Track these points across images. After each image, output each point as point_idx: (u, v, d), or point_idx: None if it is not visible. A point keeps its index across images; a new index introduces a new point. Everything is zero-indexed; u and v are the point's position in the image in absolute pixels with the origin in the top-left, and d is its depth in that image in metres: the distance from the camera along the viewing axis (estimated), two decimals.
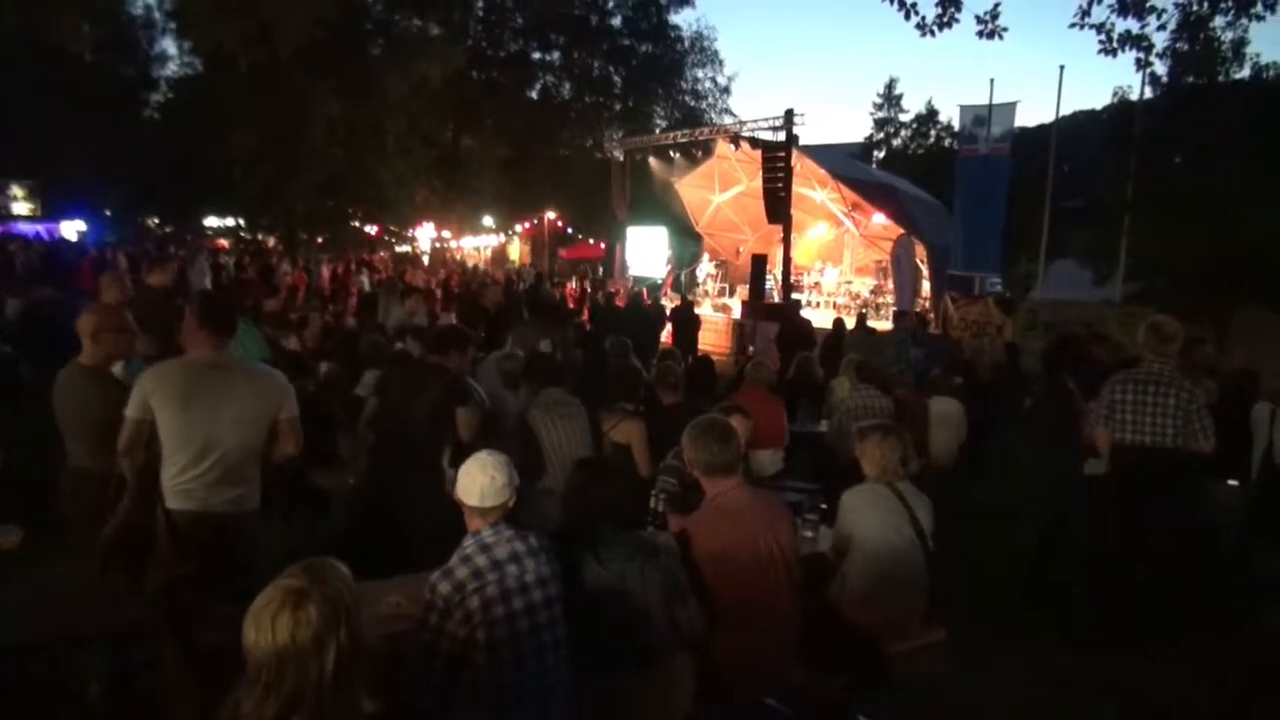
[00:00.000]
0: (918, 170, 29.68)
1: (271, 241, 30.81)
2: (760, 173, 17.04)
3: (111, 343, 4.11)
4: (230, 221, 34.91)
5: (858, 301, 19.74)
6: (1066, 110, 25.11)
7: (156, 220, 37.42)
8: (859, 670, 3.69)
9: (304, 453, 4.32)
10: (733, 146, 19.31)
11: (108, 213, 34.54)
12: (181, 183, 29.64)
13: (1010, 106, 16.81)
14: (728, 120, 31.60)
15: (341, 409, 5.89)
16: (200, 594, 3.35)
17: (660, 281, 22.91)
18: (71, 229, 31.74)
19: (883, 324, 15.17)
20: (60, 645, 3.55)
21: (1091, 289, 16.28)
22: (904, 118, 42.57)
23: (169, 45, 35.03)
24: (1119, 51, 6.57)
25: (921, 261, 17.70)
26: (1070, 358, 6.16)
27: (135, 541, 3.59)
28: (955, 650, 3.94)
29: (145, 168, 31.34)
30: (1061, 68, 17.50)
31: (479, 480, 2.91)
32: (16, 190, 32.87)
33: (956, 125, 18.90)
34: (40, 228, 30.69)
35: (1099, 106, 26.83)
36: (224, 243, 33.25)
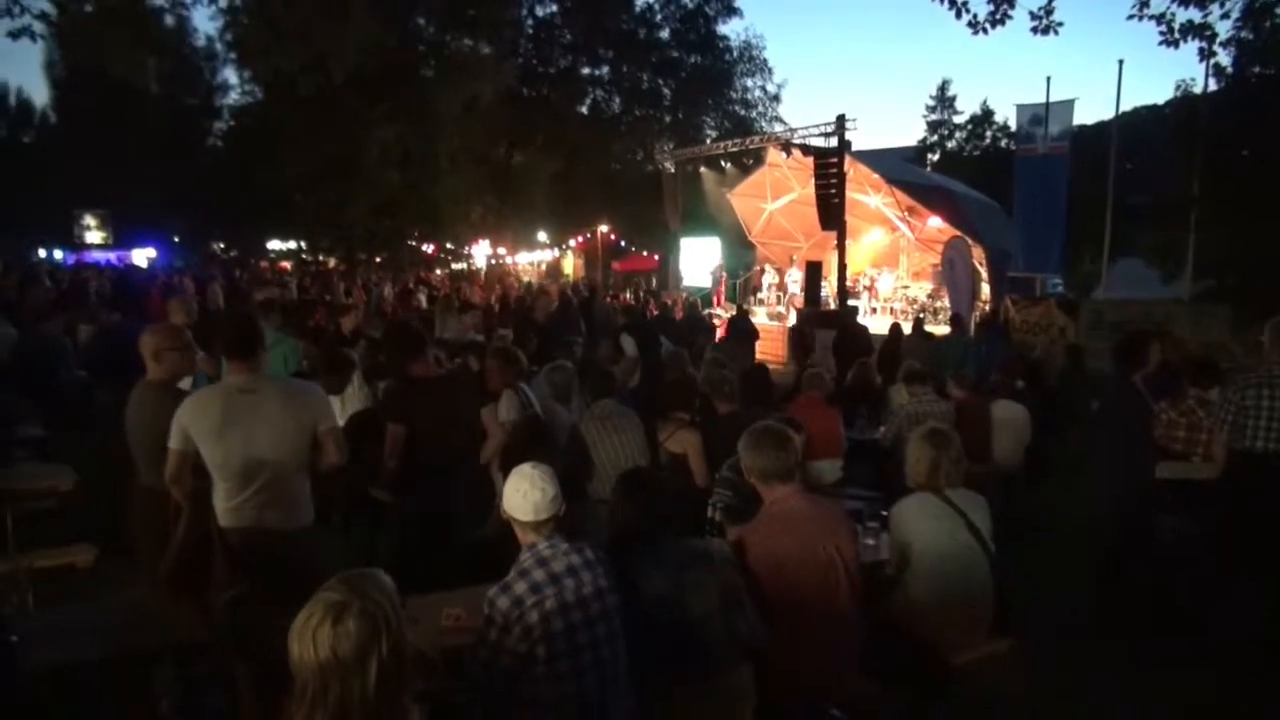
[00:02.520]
0: (974, 172, 29.20)
1: (332, 262, 31.48)
2: (813, 180, 16.92)
3: (174, 361, 4.22)
4: (292, 244, 35.75)
5: (915, 306, 19.46)
6: (1127, 106, 24.44)
7: (222, 245, 38.50)
8: (924, 681, 3.61)
9: (363, 468, 4.40)
10: (784, 154, 19.20)
11: (175, 239, 35.66)
12: (244, 208, 30.47)
13: (1068, 104, 16.49)
14: (778, 128, 31.54)
15: None
16: (263, 610, 3.40)
17: (709, 291, 22.86)
18: (142, 256, 32.81)
19: (941, 328, 14.94)
20: (132, 661, 3.65)
21: (1158, 288, 15.88)
22: (958, 119, 41.85)
23: (230, 75, 36.10)
24: (1181, 42, 6.40)
25: (980, 264, 17.41)
26: (1141, 356, 5.95)
27: (194, 563, 3.67)
28: (1023, 660, 3.83)
29: (209, 194, 32.33)
30: (1120, 62, 17.05)
31: (531, 495, 2.90)
32: (90, 220, 34.13)
33: (1013, 125, 18.62)
34: (112, 256, 31.80)
35: (1161, 101, 26.14)
36: (286, 265, 34.04)
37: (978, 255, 17.16)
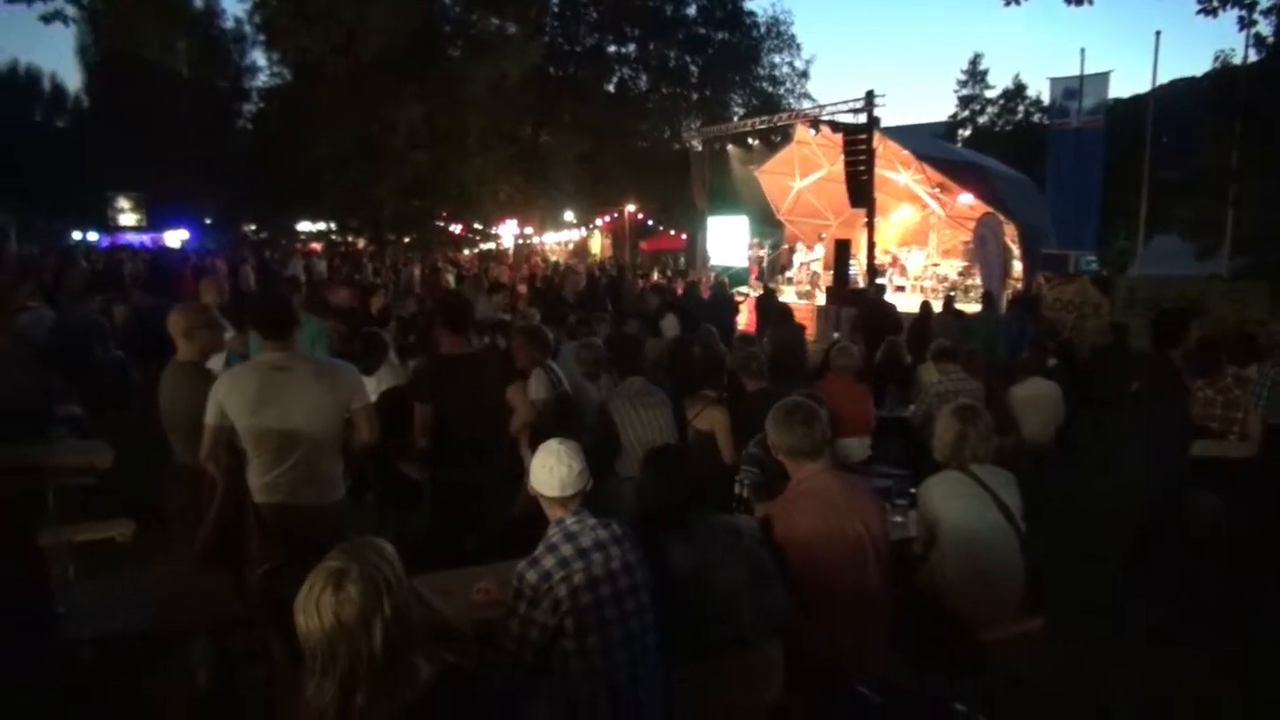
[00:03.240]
0: (1006, 148, 28.75)
1: (361, 243, 31.67)
2: (841, 157, 16.78)
3: (204, 339, 4.28)
4: (321, 225, 35.99)
5: (945, 284, 19.25)
6: (1164, 78, 23.97)
7: (253, 226, 38.85)
8: (954, 659, 3.60)
9: (396, 445, 4.44)
10: (812, 131, 19.03)
11: (207, 221, 36.02)
12: (274, 189, 30.71)
13: (1103, 77, 16.19)
14: (806, 105, 31.18)
15: None
16: (297, 585, 3.45)
17: (738, 271, 22.73)
18: (175, 238, 33.19)
19: (972, 307, 14.78)
20: (169, 634, 3.72)
21: (1194, 264, 15.59)
22: (990, 94, 41.24)
23: (259, 57, 36.28)
24: (1220, 11, 6.26)
25: (1012, 241, 17.19)
26: (1179, 334, 5.85)
27: (229, 539, 3.73)
28: (1055, 639, 3.81)
29: (240, 176, 32.60)
30: (1158, 33, 16.73)
31: (557, 471, 2.90)
32: (123, 203, 34.54)
33: (1046, 99, 18.28)
34: (146, 238, 32.19)
35: (1198, 73, 25.55)
36: (316, 246, 34.30)
37: (1010, 232, 16.93)
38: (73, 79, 46.55)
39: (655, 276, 23.19)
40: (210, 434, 3.62)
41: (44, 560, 3.02)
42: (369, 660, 1.86)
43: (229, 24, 36.99)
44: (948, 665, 3.63)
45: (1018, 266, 17.50)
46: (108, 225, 34.46)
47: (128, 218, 34.87)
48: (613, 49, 37.42)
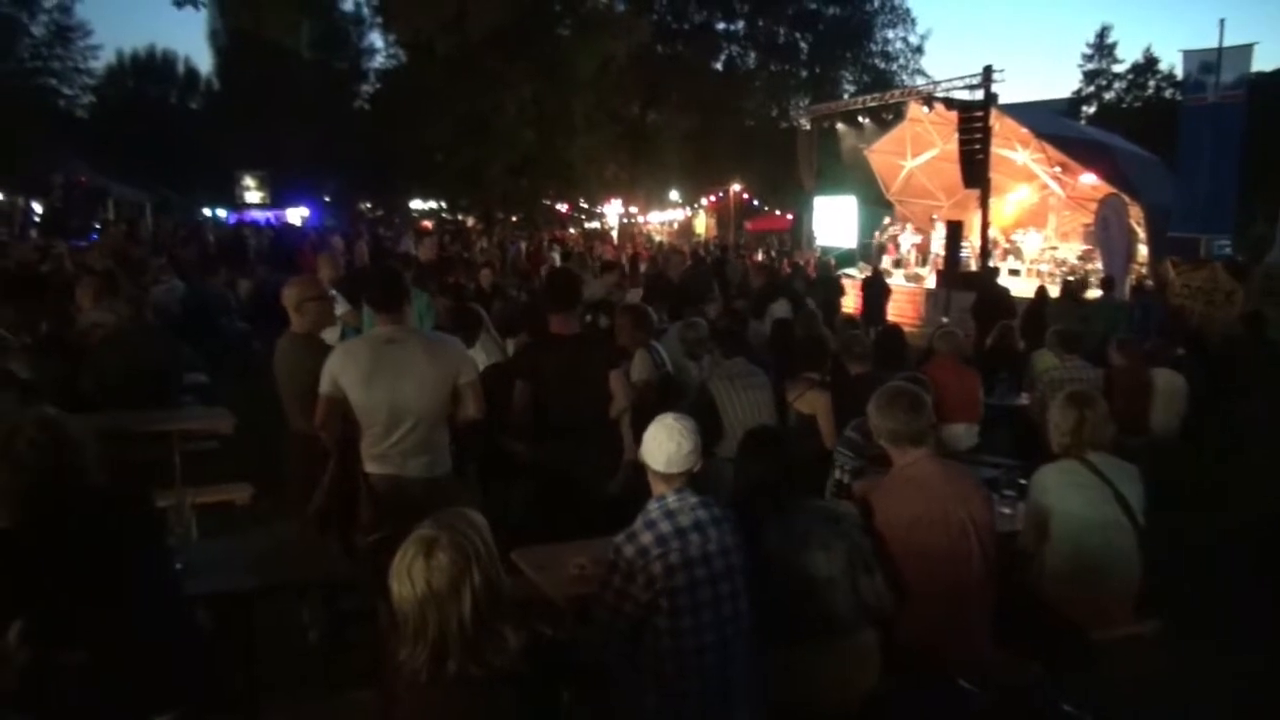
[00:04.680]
0: (1134, 125, 27.34)
1: (470, 221, 32.35)
2: (956, 135, 16.28)
3: (314, 311, 4.43)
4: (433, 204, 36.89)
5: (1063, 268, 18.45)
6: None
7: (368, 204, 40.12)
8: (1060, 657, 3.46)
9: (498, 421, 4.51)
10: (926, 108, 18.51)
11: (326, 199, 37.35)
12: (389, 168, 31.59)
13: (1245, 49, 15.09)
14: (920, 81, 30.32)
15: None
16: None
17: (850, 251, 22.31)
18: (296, 215, 34.52)
19: (1093, 292, 14.13)
20: (284, 594, 3.89)
21: None
22: (1118, 68, 39.30)
23: (376, 38, 37.29)
24: None
25: (1137, 224, 16.35)
26: None
27: (341, 505, 3.86)
28: (1173, 642, 3.62)
29: (357, 155, 33.65)
30: None
31: (666, 446, 2.89)
32: (249, 181, 36.08)
33: (1180, 73, 17.22)
34: (269, 215, 33.57)
35: None
36: (428, 224, 35.19)
37: (1135, 214, 16.11)
38: (204, 62, 48.90)
39: (758, 256, 22.96)
40: (324, 404, 3.73)
41: (165, 519, 3.17)
42: (459, 627, 1.90)
43: (348, 6, 38.16)
44: (1054, 663, 3.49)
45: (1143, 250, 16.65)
46: (235, 202, 36.11)
47: (253, 195, 36.39)
48: (721, 26, 37.10)
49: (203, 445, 5.64)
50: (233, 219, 32.48)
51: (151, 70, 45.14)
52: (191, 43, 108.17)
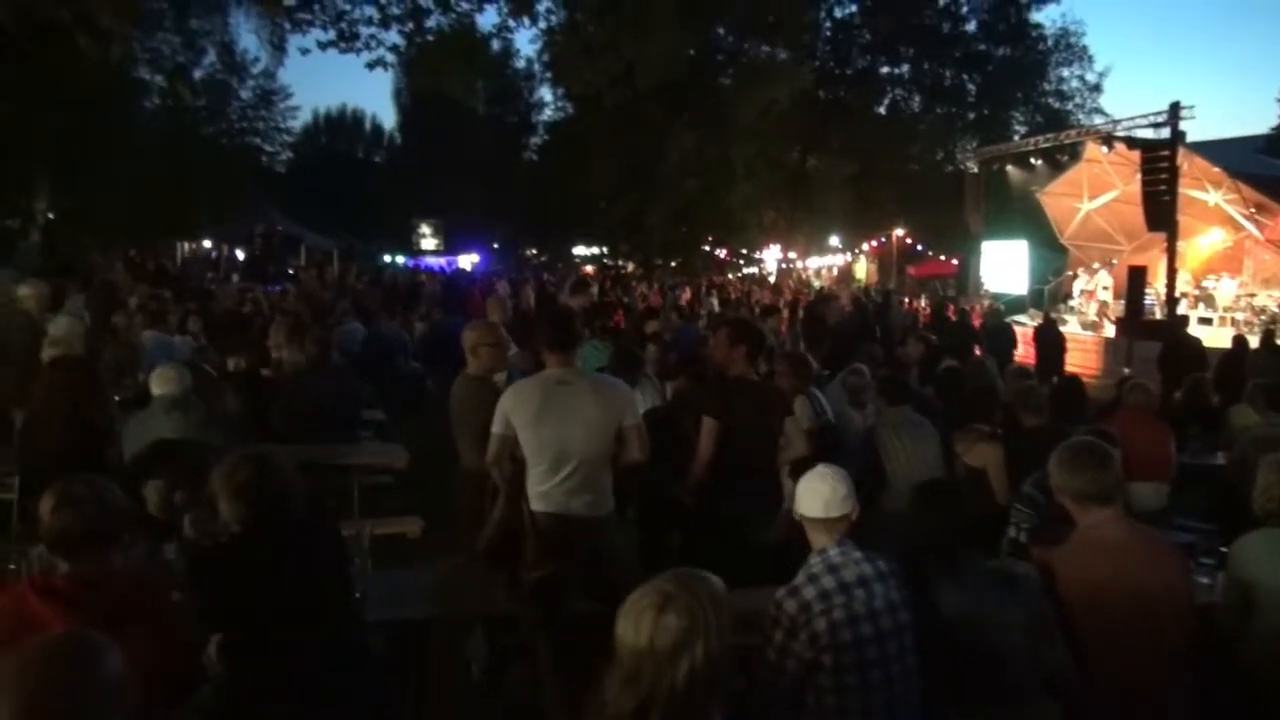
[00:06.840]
0: None
1: (630, 267, 33.01)
2: (1138, 176, 15.46)
3: (488, 356, 4.61)
4: (595, 250, 37.90)
5: (1263, 317, 17.01)
6: None
7: (534, 251, 41.69)
8: None
9: (659, 464, 4.53)
10: (1105, 148, 17.67)
11: (495, 246, 39.11)
12: (554, 216, 32.77)
13: None
14: (1098, 120, 28.83)
15: (693, 424, 6.09)
16: (565, 591, 3.62)
17: (1021, 297, 21.37)
18: (467, 261, 36.26)
19: None
20: (450, 626, 4.01)
21: None
22: None
23: (545, 93, 38.95)
24: None
25: None
26: None
27: (508, 541, 3.97)
28: None
29: (524, 204, 35.14)
30: None
31: (821, 491, 2.85)
32: (425, 229, 38.29)
33: None
34: (443, 260, 35.39)
35: None
36: (590, 269, 36.16)
37: None
38: (389, 118, 52.65)
39: (920, 303, 22.31)
40: (496, 442, 3.86)
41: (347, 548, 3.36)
42: (669, 692, 1.86)
43: (520, 64, 40.08)
44: None
45: None
46: (412, 249, 38.30)
47: (429, 242, 38.55)
48: (885, 70, 36.59)
49: (378, 479, 5.93)
50: (410, 264, 34.39)
51: (342, 127, 48.97)
52: (378, 101, 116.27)
